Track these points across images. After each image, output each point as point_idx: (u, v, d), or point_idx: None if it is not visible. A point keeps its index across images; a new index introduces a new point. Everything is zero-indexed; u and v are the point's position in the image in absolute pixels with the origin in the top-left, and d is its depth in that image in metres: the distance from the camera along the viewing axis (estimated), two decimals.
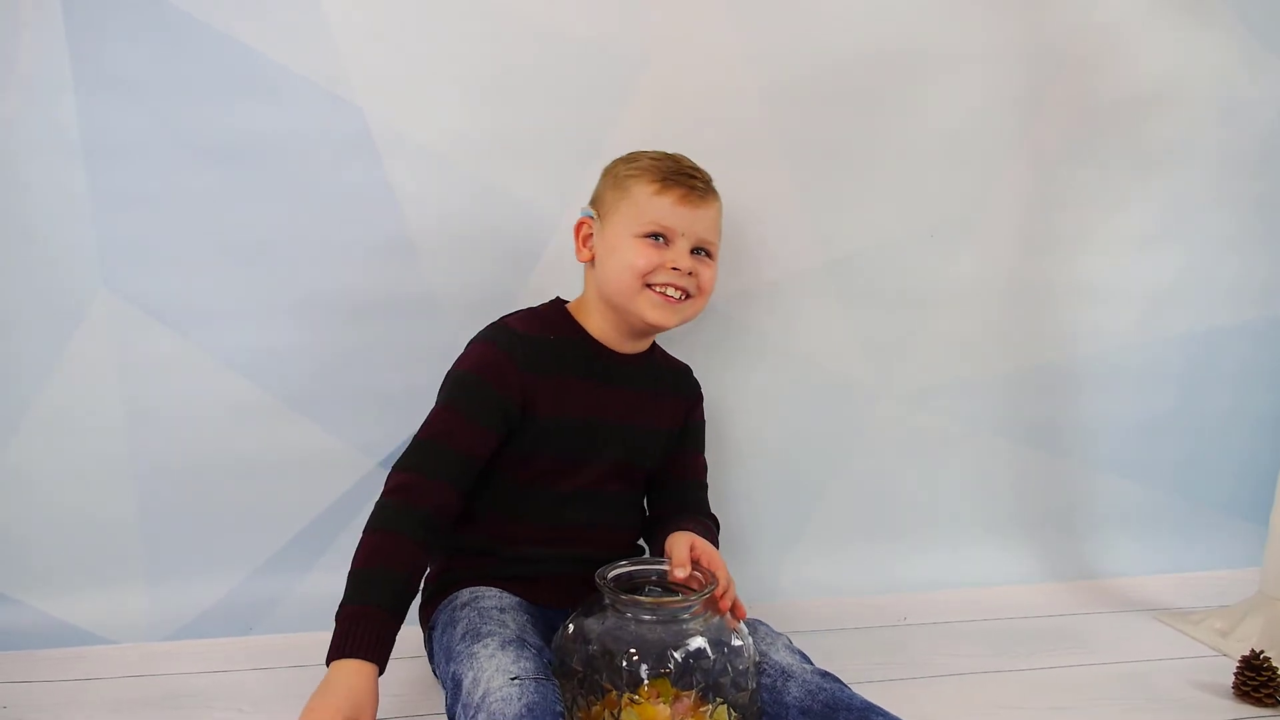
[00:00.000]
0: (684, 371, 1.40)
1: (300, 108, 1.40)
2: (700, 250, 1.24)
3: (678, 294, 1.21)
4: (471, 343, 1.25)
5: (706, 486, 1.39)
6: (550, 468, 1.23)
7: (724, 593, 1.09)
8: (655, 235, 1.20)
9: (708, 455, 1.41)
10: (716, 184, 1.26)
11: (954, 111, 1.56)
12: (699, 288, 1.23)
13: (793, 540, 1.64)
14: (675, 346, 1.42)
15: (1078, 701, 1.25)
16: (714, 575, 1.07)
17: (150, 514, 1.46)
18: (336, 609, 1.03)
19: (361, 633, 1.01)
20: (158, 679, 1.32)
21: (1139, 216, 1.65)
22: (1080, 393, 1.69)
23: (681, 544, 1.15)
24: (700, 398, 1.40)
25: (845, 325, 1.60)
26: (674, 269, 1.20)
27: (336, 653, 1.00)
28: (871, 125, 1.55)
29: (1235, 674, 1.26)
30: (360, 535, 1.09)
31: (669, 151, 1.27)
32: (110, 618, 1.44)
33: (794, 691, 1.04)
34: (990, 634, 1.47)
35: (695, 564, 1.12)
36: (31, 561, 1.44)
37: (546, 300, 1.33)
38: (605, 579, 1.04)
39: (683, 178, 1.22)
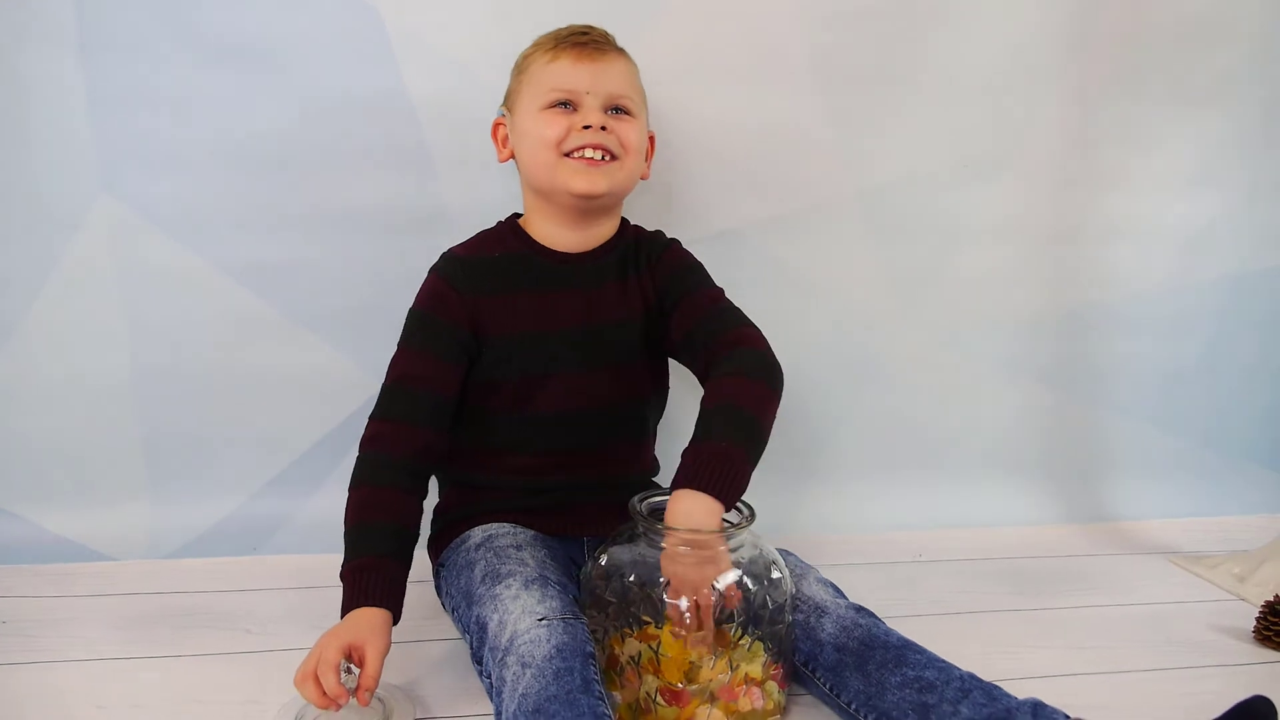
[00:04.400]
0: (646, 238, 1.26)
1: (315, 8, 1.35)
2: (616, 109, 1.16)
3: (598, 154, 1.13)
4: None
5: (730, 310, 1.17)
6: (520, 390, 1.17)
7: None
8: (561, 103, 1.14)
9: None
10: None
11: (994, 39, 1.51)
12: (623, 145, 1.15)
13: (809, 474, 1.61)
14: None
15: (1096, 641, 1.25)
16: (752, 507, 1.03)
17: (153, 430, 1.43)
18: (339, 571, 1.02)
19: (366, 583, 1.00)
20: (160, 596, 1.31)
21: (1178, 156, 1.60)
22: (1107, 335, 1.66)
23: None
24: (666, 247, 1.25)
25: (873, 256, 1.56)
26: (585, 128, 1.12)
27: (347, 607, 0.99)
28: (909, 51, 1.49)
29: (1258, 619, 1.26)
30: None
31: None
32: (112, 534, 1.42)
33: (828, 627, 1.02)
34: (1006, 573, 1.46)
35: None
36: (32, 476, 1.42)
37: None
38: (639, 509, 1.01)
39: (574, 37, 1.16)
